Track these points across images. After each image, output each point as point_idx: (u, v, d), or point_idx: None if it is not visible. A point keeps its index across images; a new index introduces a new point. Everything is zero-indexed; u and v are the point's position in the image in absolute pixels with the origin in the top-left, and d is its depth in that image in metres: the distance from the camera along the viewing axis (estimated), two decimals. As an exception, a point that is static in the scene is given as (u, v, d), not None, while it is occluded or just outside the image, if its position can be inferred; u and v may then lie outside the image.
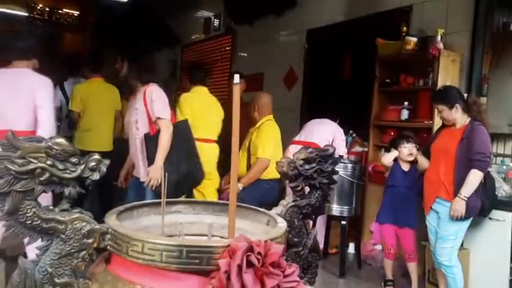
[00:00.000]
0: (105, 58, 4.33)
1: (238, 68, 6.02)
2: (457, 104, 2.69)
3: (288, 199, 1.36)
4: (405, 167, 3.12)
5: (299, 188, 1.34)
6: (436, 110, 2.85)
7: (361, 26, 4.48)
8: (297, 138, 3.80)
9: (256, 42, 6.08)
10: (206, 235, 1.42)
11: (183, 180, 2.77)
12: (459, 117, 2.71)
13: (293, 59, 5.34)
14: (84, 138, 3.89)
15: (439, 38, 3.47)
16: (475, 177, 2.55)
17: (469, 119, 2.71)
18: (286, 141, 3.70)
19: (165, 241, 0.97)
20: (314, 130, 3.72)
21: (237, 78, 1.06)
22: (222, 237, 1.42)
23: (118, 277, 1.03)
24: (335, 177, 1.43)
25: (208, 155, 3.43)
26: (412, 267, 3.12)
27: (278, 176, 3.49)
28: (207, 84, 3.83)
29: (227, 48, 6.77)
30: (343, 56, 4.70)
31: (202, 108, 3.52)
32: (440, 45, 3.44)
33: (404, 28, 4.10)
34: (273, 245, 0.97)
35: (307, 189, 1.39)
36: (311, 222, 1.45)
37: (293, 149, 3.51)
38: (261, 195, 3.27)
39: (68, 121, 4.25)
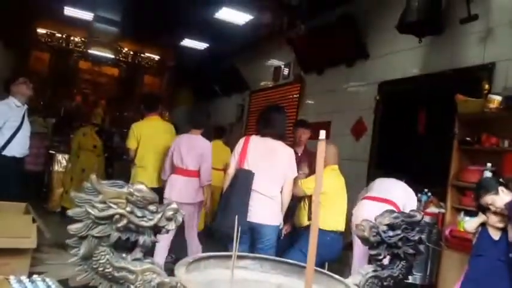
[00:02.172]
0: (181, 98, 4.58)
1: (304, 115, 6.01)
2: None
3: (368, 268, 1.23)
4: (495, 234, 2.75)
5: (381, 257, 1.22)
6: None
7: (438, 81, 4.29)
8: (369, 194, 3.58)
9: (325, 91, 6.06)
10: (273, 297, 1.32)
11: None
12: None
13: (362, 110, 5.22)
14: (138, 174, 3.98)
15: (527, 97, 3.21)
16: None
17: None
18: (351, 193, 3.53)
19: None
20: (389, 187, 3.50)
21: (322, 134, 1.00)
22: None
23: (183, 338, 0.97)
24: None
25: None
26: None
27: (341, 228, 3.35)
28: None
29: (295, 95, 6.82)
30: (417, 110, 4.49)
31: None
32: (530, 105, 3.17)
33: (486, 86, 3.87)
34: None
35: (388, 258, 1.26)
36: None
37: (367, 205, 3.34)
38: (320, 248, 3.07)
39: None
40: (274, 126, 3.07)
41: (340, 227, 3.30)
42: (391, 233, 1.22)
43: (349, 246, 3.77)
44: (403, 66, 4.76)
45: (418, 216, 1.26)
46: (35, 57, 8.78)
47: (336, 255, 3.28)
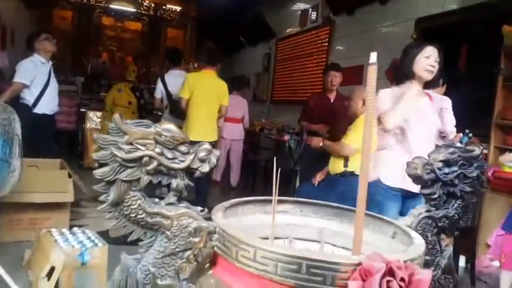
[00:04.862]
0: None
1: (335, 61, 5.74)
2: None
3: (420, 208, 1.13)
4: None
5: (435, 196, 1.10)
6: None
7: (483, 12, 3.93)
8: None
9: (356, 33, 5.73)
10: (316, 241, 1.25)
11: None
12: None
13: (398, 50, 4.88)
14: (188, 126, 3.95)
15: None
16: None
17: None
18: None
19: (282, 250, 0.81)
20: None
21: (373, 57, 0.87)
22: (334, 245, 1.24)
23: (224, 283, 0.91)
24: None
25: None
26: None
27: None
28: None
29: (324, 40, 6.51)
30: (458, 47, 4.17)
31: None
32: None
33: (538, 13, 3.50)
34: (418, 270, 0.76)
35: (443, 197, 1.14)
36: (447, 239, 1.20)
37: None
38: (355, 193, 3.00)
39: (169, 110, 4.39)
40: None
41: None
42: (446, 170, 1.09)
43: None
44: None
45: (477, 151, 1.13)
46: (58, 16, 8.70)
47: (369, 202, 3.20)
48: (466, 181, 1.12)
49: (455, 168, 1.10)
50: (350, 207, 1.21)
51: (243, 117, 5.74)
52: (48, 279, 2.12)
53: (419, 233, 1.08)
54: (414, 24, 4.70)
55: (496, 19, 3.57)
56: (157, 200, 0.91)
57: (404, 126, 2.28)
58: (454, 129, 3.18)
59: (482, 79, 3.73)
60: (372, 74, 0.85)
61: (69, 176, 3.07)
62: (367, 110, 0.85)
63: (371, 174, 2.42)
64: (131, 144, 0.85)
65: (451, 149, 1.10)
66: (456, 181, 1.11)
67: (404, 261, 0.78)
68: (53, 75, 3.87)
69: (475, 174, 1.12)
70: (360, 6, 5.57)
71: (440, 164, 1.09)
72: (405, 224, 1.08)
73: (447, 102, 3.35)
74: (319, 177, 3.40)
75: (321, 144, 3.39)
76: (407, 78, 2.37)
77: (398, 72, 2.56)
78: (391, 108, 2.24)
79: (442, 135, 3.36)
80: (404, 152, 2.28)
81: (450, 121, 3.22)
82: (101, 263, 2.26)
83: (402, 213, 2.30)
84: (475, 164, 1.13)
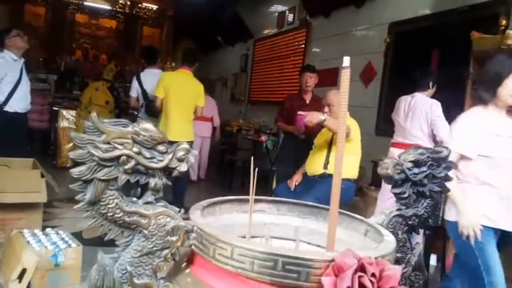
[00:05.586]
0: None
1: (311, 63, 5.82)
2: None
3: (391, 207, 1.17)
4: None
5: (405, 195, 1.15)
6: None
7: (453, 19, 4.07)
8: (395, 138, 3.61)
9: (332, 35, 5.83)
10: (292, 239, 1.28)
11: None
12: None
13: (372, 54, 5.03)
14: (163, 125, 3.92)
15: (546, 31, 3.02)
16: None
17: None
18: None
19: (259, 248, 0.83)
20: (413, 124, 3.49)
21: (346, 61, 0.90)
22: (309, 243, 1.27)
23: (201, 282, 0.92)
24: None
25: None
26: None
27: (355, 176, 3.31)
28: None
29: (300, 42, 6.59)
30: (429, 51, 4.31)
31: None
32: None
33: (504, 21, 3.67)
34: (388, 266, 0.79)
35: (413, 196, 1.19)
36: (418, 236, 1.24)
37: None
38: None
39: (145, 109, 4.34)
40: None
41: (354, 174, 3.25)
42: (416, 170, 1.14)
43: (358, 192, 3.78)
44: (415, 4, 4.52)
45: (445, 152, 1.17)
46: (30, 12, 8.45)
47: (347, 202, 3.26)
48: (435, 181, 1.17)
49: (424, 169, 1.15)
50: (325, 206, 1.24)
51: (212, 116, 6.28)
52: (20, 282, 2.07)
53: (390, 231, 1.12)
54: (388, 28, 4.82)
55: (466, 25, 3.71)
56: (134, 199, 0.91)
57: (490, 154, 1.96)
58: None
59: (453, 83, 3.85)
60: (345, 77, 0.88)
61: (42, 175, 3.00)
62: (340, 112, 0.88)
63: (451, 212, 2.15)
64: (109, 143, 0.85)
65: (420, 150, 1.15)
66: (425, 181, 1.16)
67: (376, 258, 0.81)
68: (24, 72, 3.77)
69: (443, 175, 1.17)
70: (336, 10, 5.67)
71: (410, 165, 1.14)
72: (377, 222, 1.12)
73: (438, 109, 3.44)
74: (295, 180, 3.38)
75: (322, 118, 2.83)
76: (489, 100, 2.03)
77: (481, 90, 2.08)
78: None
79: (436, 142, 3.45)
80: (492, 187, 1.97)
81: (444, 128, 3.26)
82: (75, 264, 2.22)
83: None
84: (444, 165, 1.18)
